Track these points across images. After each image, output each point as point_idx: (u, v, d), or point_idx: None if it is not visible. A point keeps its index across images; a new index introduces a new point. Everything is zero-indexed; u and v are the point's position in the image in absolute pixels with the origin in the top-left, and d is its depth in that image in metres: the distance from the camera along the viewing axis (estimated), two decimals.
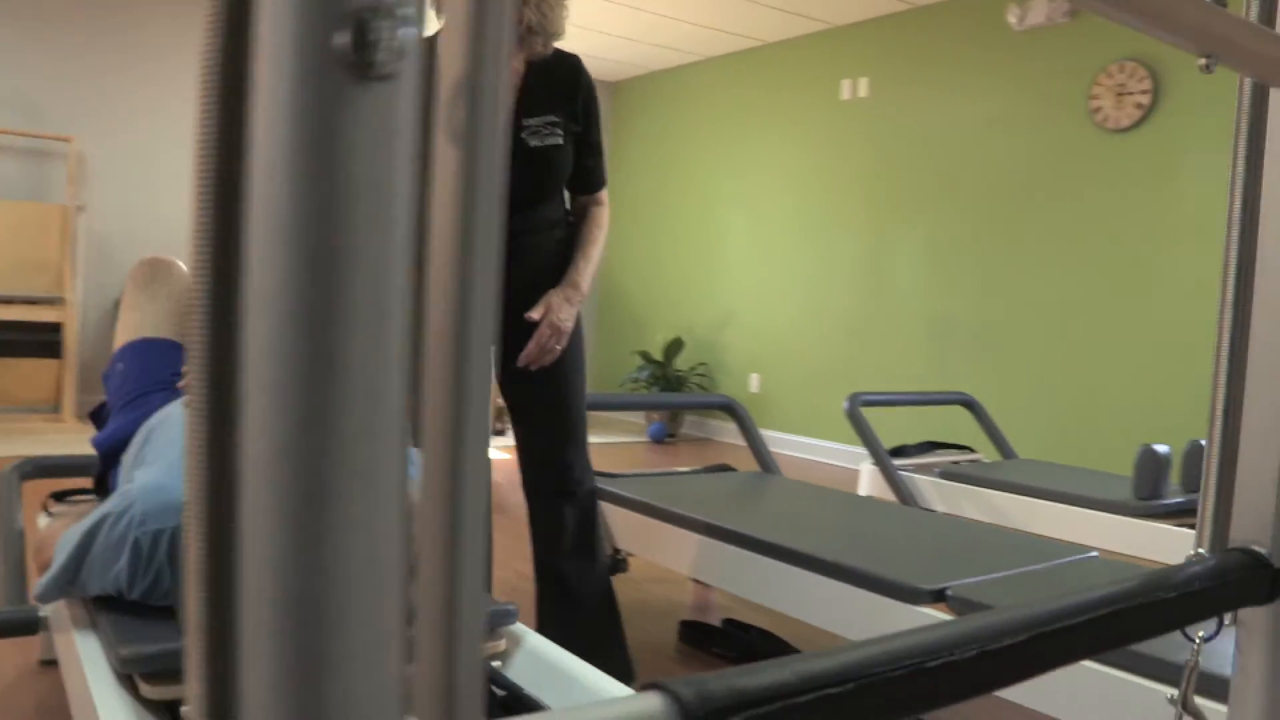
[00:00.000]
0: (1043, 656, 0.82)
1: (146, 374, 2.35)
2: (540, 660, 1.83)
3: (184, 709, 1.54)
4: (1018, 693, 1.99)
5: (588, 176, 2.53)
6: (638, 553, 3.15)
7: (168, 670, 1.61)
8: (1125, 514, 3.61)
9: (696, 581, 3.81)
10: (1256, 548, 1.05)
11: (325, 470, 0.39)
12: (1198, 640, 1.11)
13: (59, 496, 2.71)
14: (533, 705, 1.62)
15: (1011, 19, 5.91)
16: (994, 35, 6.09)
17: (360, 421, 0.39)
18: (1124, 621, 0.90)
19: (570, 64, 2.42)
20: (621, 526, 3.18)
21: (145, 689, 1.59)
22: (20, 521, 2.62)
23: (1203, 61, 0.90)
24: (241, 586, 0.40)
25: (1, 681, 2.52)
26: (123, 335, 2.45)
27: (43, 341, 6.44)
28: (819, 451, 7.03)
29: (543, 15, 2.19)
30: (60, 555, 1.78)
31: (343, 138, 0.38)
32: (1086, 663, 1.86)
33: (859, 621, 2.43)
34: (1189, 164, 5.20)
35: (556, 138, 2.40)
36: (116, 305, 7.08)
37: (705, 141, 8.23)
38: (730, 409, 3.80)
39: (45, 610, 2.37)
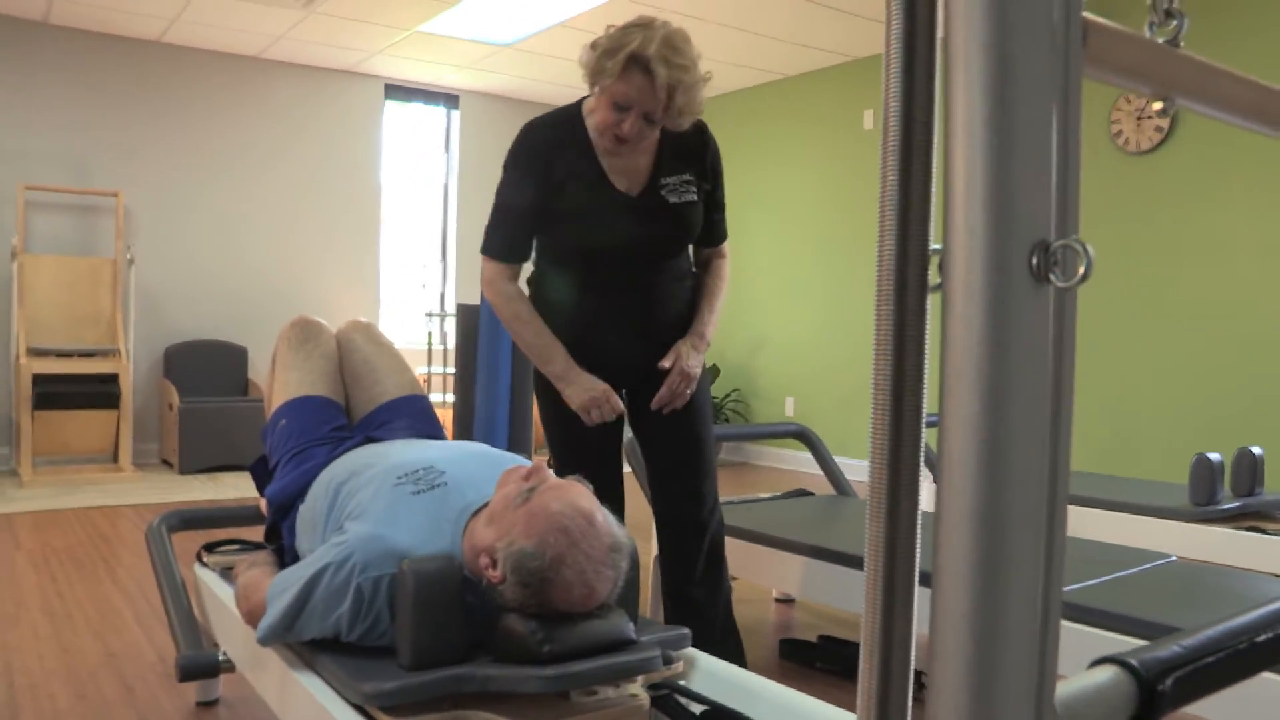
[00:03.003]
0: None
1: (308, 430, 2.53)
2: (721, 679, 2.02)
3: None
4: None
5: (713, 230, 2.75)
6: (741, 576, 3.34)
7: (406, 704, 1.79)
8: (1184, 519, 3.79)
9: (779, 600, 4.00)
10: None
11: (999, 532, 0.58)
12: None
13: (210, 548, 2.88)
14: (736, 717, 1.80)
15: None
16: None
17: (1021, 512, 0.59)
18: None
19: (698, 126, 2.64)
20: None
21: None
22: (179, 572, 2.80)
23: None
24: (945, 600, 0.59)
25: None
26: (281, 393, 2.62)
27: (99, 392, 6.61)
28: (859, 472, 7.22)
29: (689, 96, 2.42)
30: (280, 601, 1.95)
31: (1025, 326, 0.57)
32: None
33: None
34: (1206, 184, 5.43)
35: (691, 194, 2.62)
36: (166, 355, 7.26)
37: (732, 173, 8.44)
38: (804, 437, 3.99)
39: (223, 654, 2.55)
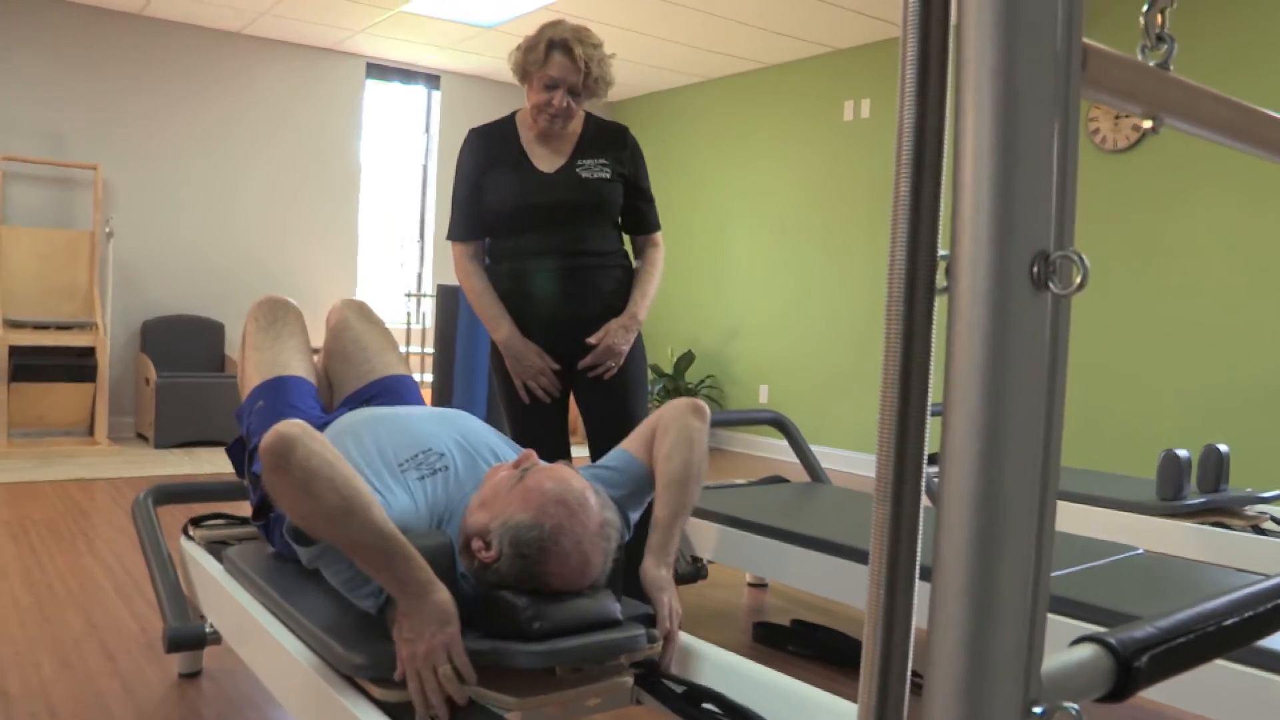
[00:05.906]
0: None
1: (287, 410, 2.55)
2: (700, 659, 2.07)
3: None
4: (1160, 692, 2.25)
5: (641, 218, 3.11)
6: (717, 560, 3.39)
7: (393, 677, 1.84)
8: (1152, 514, 3.87)
9: (752, 585, 4.07)
10: None
11: (996, 515, 0.63)
12: None
13: (196, 522, 2.91)
14: (716, 697, 1.86)
15: None
16: None
17: (1012, 497, 0.64)
18: None
19: (620, 127, 3.11)
20: (700, 537, 3.42)
21: (377, 692, 1.81)
22: (166, 545, 2.83)
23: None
24: (946, 580, 0.64)
25: (150, 695, 2.73)
26: (255, 374, 2.63)
27: (75, 365, 6.60)
28: (831, 460, 7.30)
29: (602, 68, 2.87)
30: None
31: (1025, 330, 0.62)
32: (1221, 662, 2.13)
33: None
34: (1181, 183, 5.52)
35: (605, 173, 2.97)
36: (143, 329, 7.26)
37: (709, 160, 8.50)
38: (780, 424, 4.05)
39: (210, 627, 2.58)
